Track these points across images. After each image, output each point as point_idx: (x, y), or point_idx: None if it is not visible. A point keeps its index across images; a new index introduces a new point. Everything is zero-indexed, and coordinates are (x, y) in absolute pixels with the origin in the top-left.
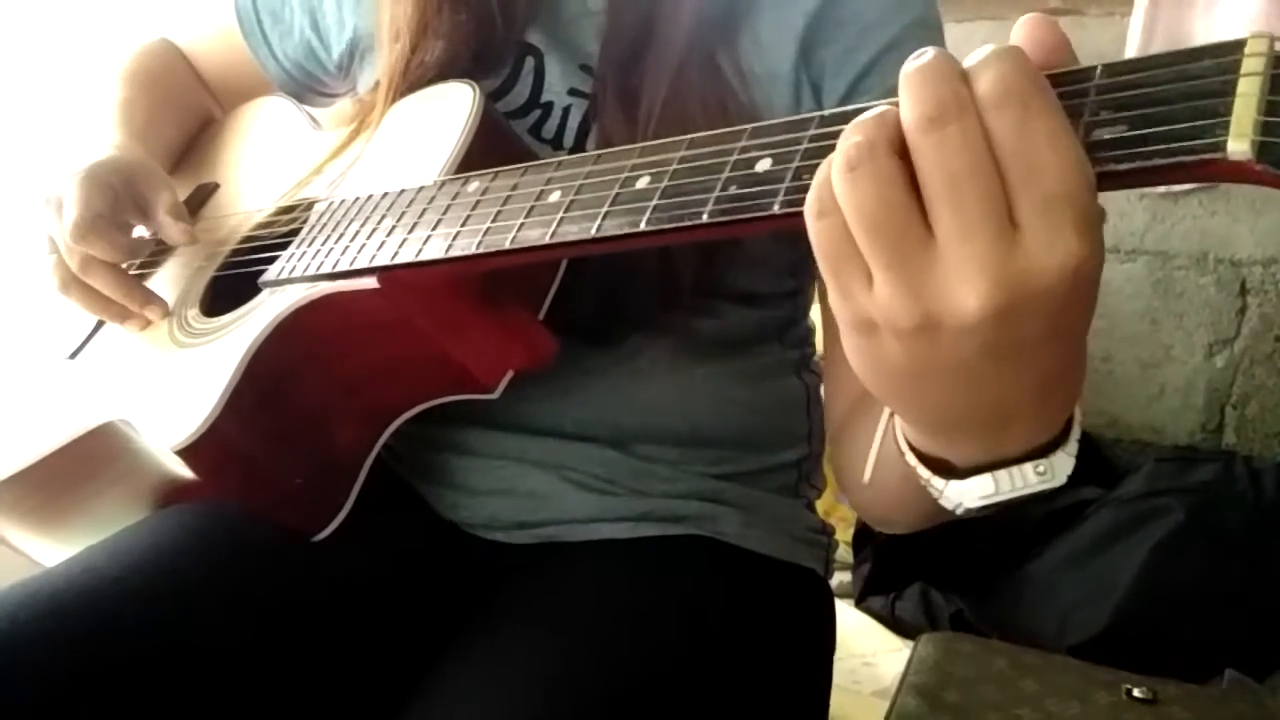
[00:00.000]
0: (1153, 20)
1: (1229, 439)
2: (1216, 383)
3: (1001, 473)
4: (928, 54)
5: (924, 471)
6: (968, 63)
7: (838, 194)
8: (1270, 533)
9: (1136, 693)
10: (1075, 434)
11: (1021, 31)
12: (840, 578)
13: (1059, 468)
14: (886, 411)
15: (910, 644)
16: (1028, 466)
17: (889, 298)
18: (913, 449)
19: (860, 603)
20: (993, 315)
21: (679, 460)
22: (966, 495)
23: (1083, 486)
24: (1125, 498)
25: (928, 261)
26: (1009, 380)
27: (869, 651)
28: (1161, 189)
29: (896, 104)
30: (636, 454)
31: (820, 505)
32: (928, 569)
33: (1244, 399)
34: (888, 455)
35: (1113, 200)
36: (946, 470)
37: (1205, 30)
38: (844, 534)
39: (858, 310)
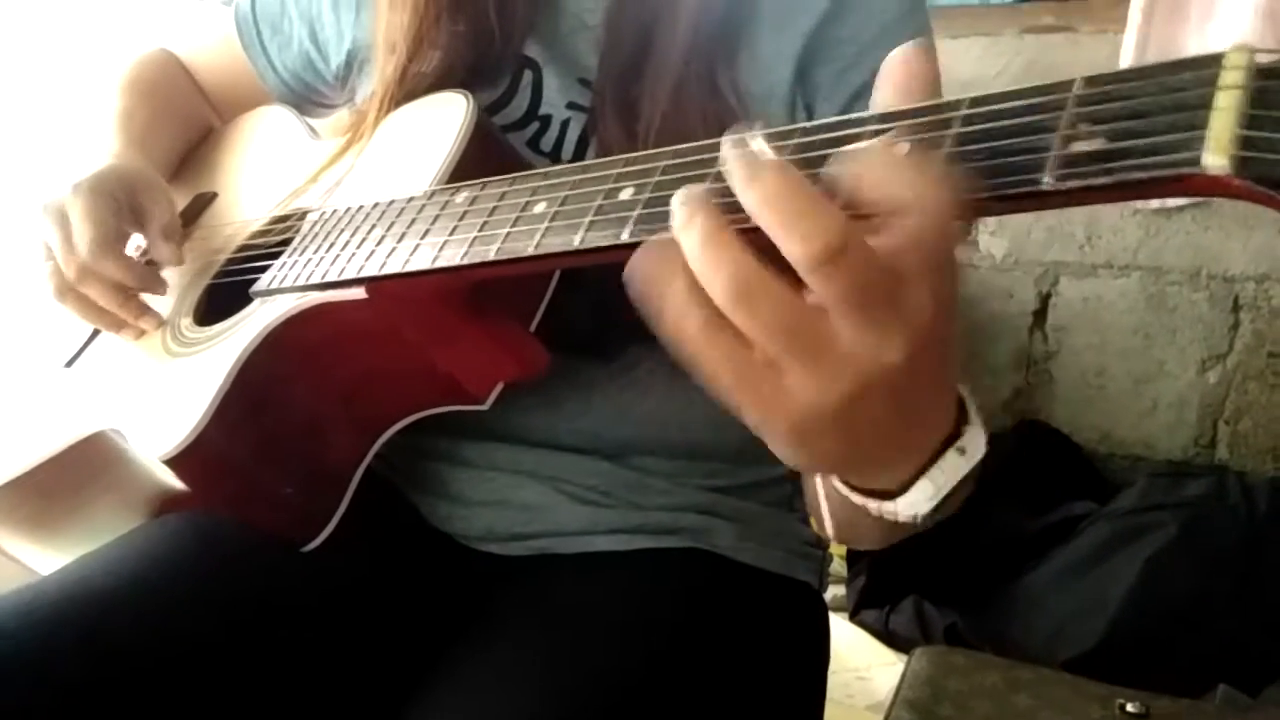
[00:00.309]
0: (1145, 37)
1: (1222, 454)
2: (1209, 398)
3: (932, 470)
4: (774, 184)
5: (875, 504)
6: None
7: (741, 322)
8: (1263, 548)
9: (1129, 707)
10: (970, 405)
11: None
12: (834, 591)
13: (975, 440)
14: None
15: (904, 658)
16: (949, 454)
17: (808, 387)
18: (854, 489)
19: (854, 616)
20: (909, 356)
21: (674, 473)
22: (917, 504)
23: (1076, 501)
24: (1118, 512)
25: (829, 340)
26: (917, 404)
27: (863, 665)
28: (1155, 204)
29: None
30: (631, 466)
31: (814, 519)
32: (922, 583)
33: (1237, 414)
34: (834, 502)
35: (1106, 216)
36: (887, 494)
37: (1198, 46)
38: (838, 548)
39: (781, 411)
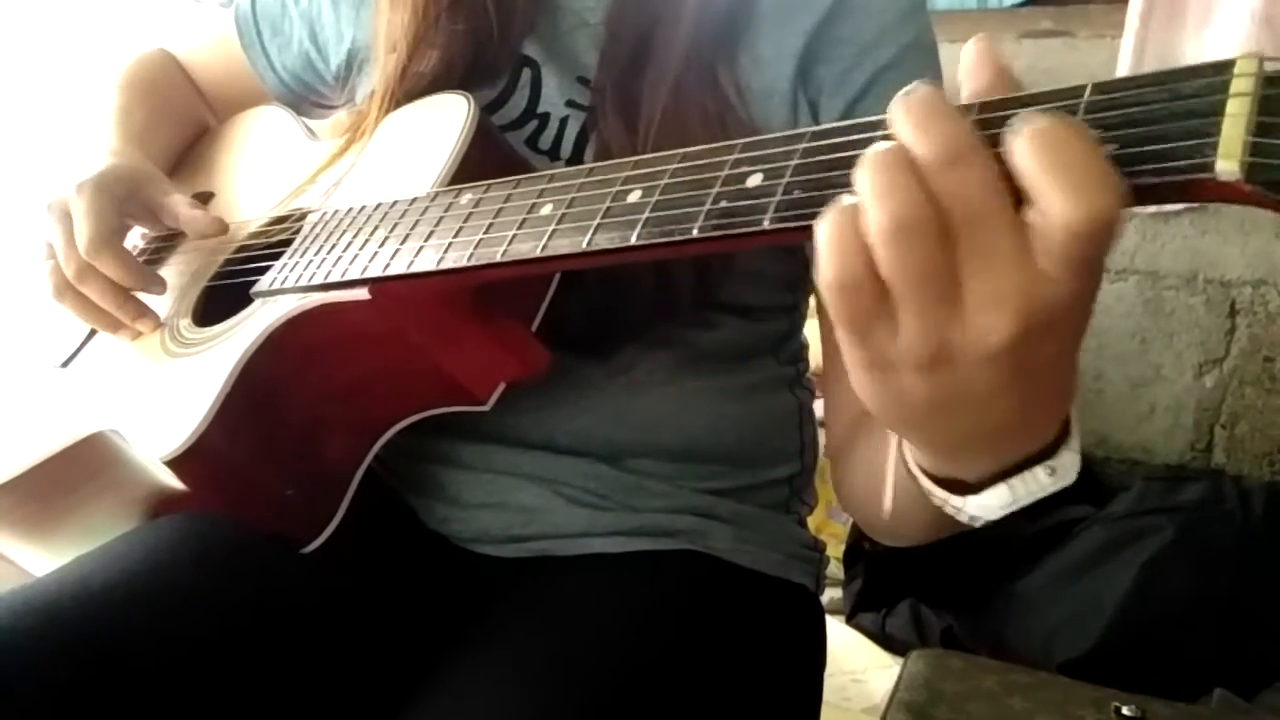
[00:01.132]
0: (1143, 42)
1: (1218, 458)
2: (1206, 402)
3: (1015, 480)
4: (921, 89)
5: (941, 493)
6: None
7: (885, 257)
8: (1259, 552)
9: (1125, 711)
10: (1075, 431)
11: (972, 55)
12: (831, 594)
13: (1067, 466)
14: (894, 440)
15: (900, 661)
16: (1039, 470)
17: (917, 339)
18: (924, 472)
19: (851, 619)
20: (1013, 342)
21: (671, 475)
22: (986, 508)
23: (1072, 505)
24: (1115, 516)
25: (955, 299)
26: (1020, 397)
27: (859, 668)
28: (1152, 209)
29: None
30: (629, 469)
31: (811, 522)
32: (918, 586)
33: (1233, 419)
34: (901, 479)
35: None
36: (960, 487)
37: (1195, 51)
38: (835, 550)
39: (877, 352)
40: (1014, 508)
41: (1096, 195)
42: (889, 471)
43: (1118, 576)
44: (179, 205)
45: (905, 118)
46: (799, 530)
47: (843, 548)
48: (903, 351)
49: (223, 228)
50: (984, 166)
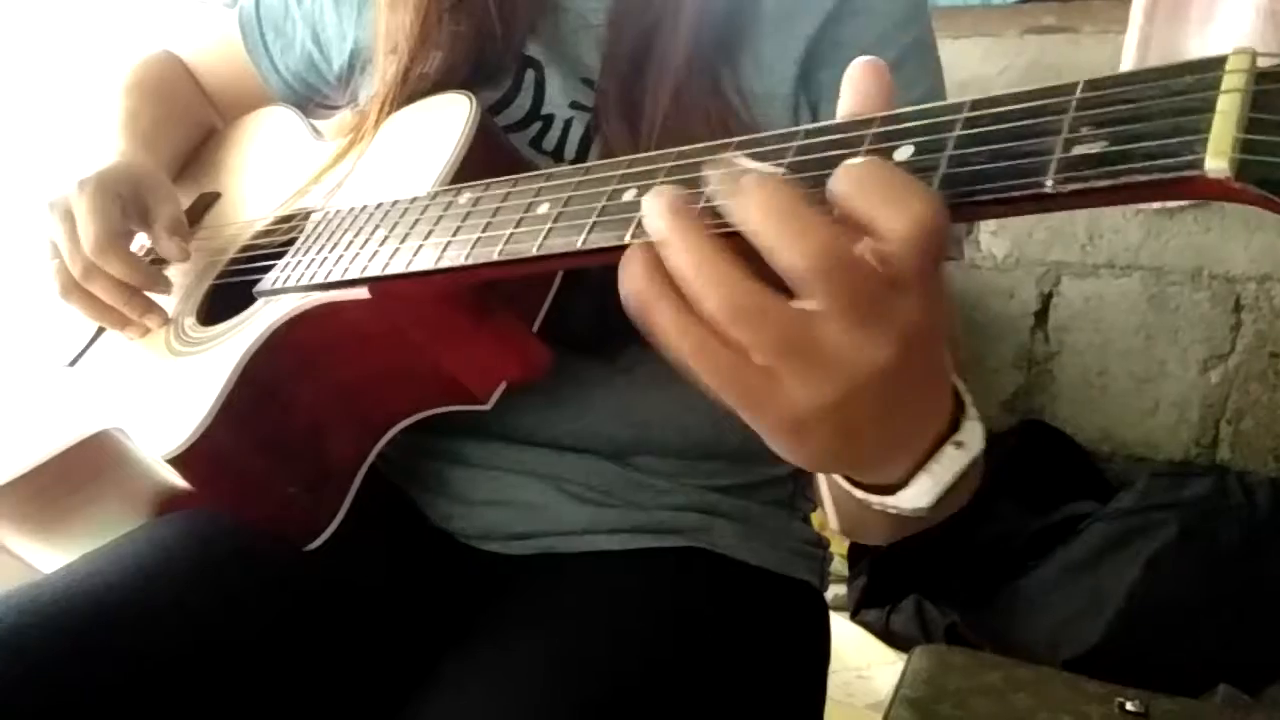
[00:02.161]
0: (1146, 37)
1: (1223, 454)
2: (1211, 398)
3: (930, 465)
4: (766, 195)
5: (876, 499)
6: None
7: (738, 337)
8: (1264, 547)
9: (1129, 706)
10: (967, 400)
11: (853, 79)
12: (835, 590)
13: (971, 434)
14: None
15: (904, 657)
16: (947, 448)
17: (805, 390)
18: (856, 485)
19: (855, 615)
20: (898, 361)
21: (675, 473)
22: (918, 498)
23: (1077, 501)
24: (1119, 512)
25: (820, 344)
26: (912, 401)
27: (863, 664)
28: (1157, 205)
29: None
30: (632, 466)
31: (815, 518)
32: (922, 582)
33: (1238, 414)
34: (840, 498)
35: (1107, 216)
36: (890, 488)
37: (1199, 48)
38: (839, 547)
39: (780, 414)
40: (943, 487)
41: (917, 204)
42: (825, 495)
43: (1122, 572)
44: (158, 226)
45: (769, 226)
46: (803, 527)
47: (847, 544)
48: (801, 405)
49: (184, 256)
50: (852, 256)
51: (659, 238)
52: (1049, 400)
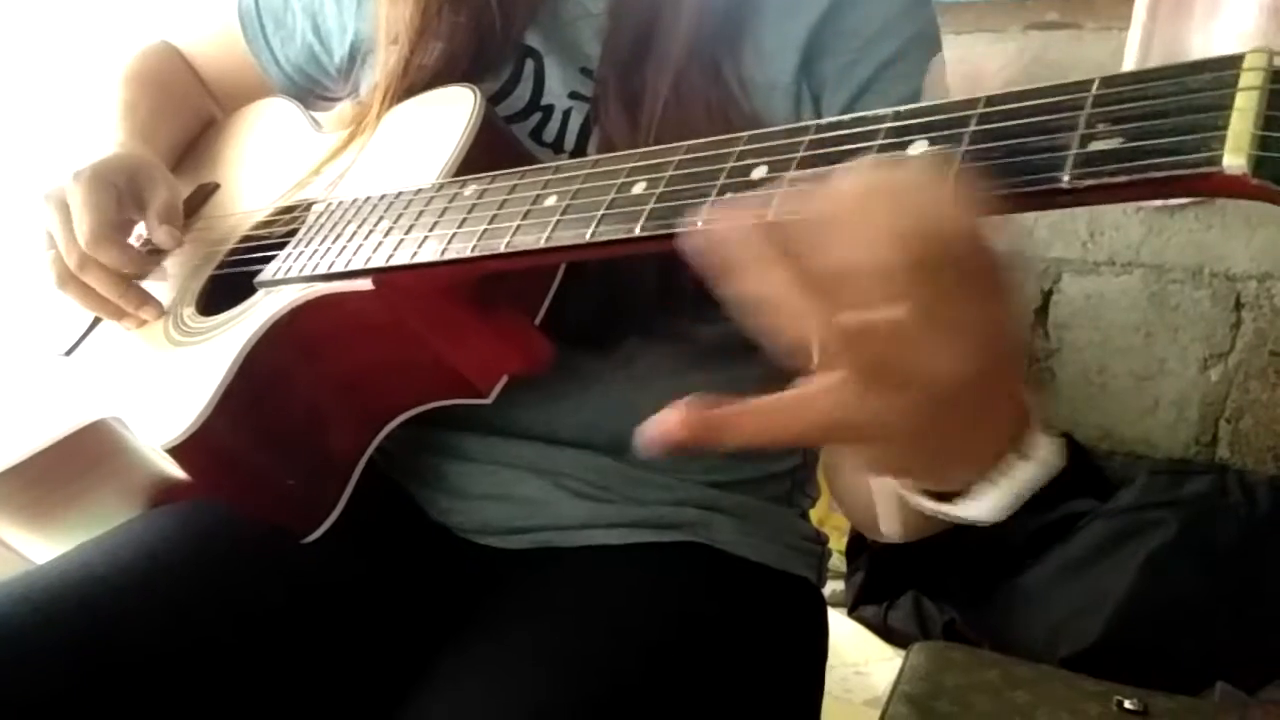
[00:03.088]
0: (1149, 34)
1: (1222, 453)
2: (1210, 397)
3: (996, 476)
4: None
5: (930, 507)
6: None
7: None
8: (1263, 546)
9: (1127, 704)
10: (1033, 414)
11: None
12: (833, 586)
13: (1039, 447)
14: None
15: (902, 653)
16: (1014, 459)
17: (893, 404)
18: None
19: (853, 611)
20: (976, 372)
21: (674, 468)
22: (980, 510)
23: (1076, 499)
24: (1118, 510)
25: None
26: (976, 413)
27: (861, 660)
28: (1158, 202)
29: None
30: (631, 461)
31: (814, 514)
32: (921, 578)
33: (1238, 413)
34: (900, 503)
35: (1108, 213)
36: (951, 496)
37: (1202, 44)
38: (837, 543)
39: (863, 427)
40: (1009, 502)
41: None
42: (878, 499)
43: (1121, 570)
44: (151, 213)
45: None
46: (801, 523)
47: (845, 540)
48: (884, 416)
49: (176, 243)
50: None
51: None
52: (1048, 397)
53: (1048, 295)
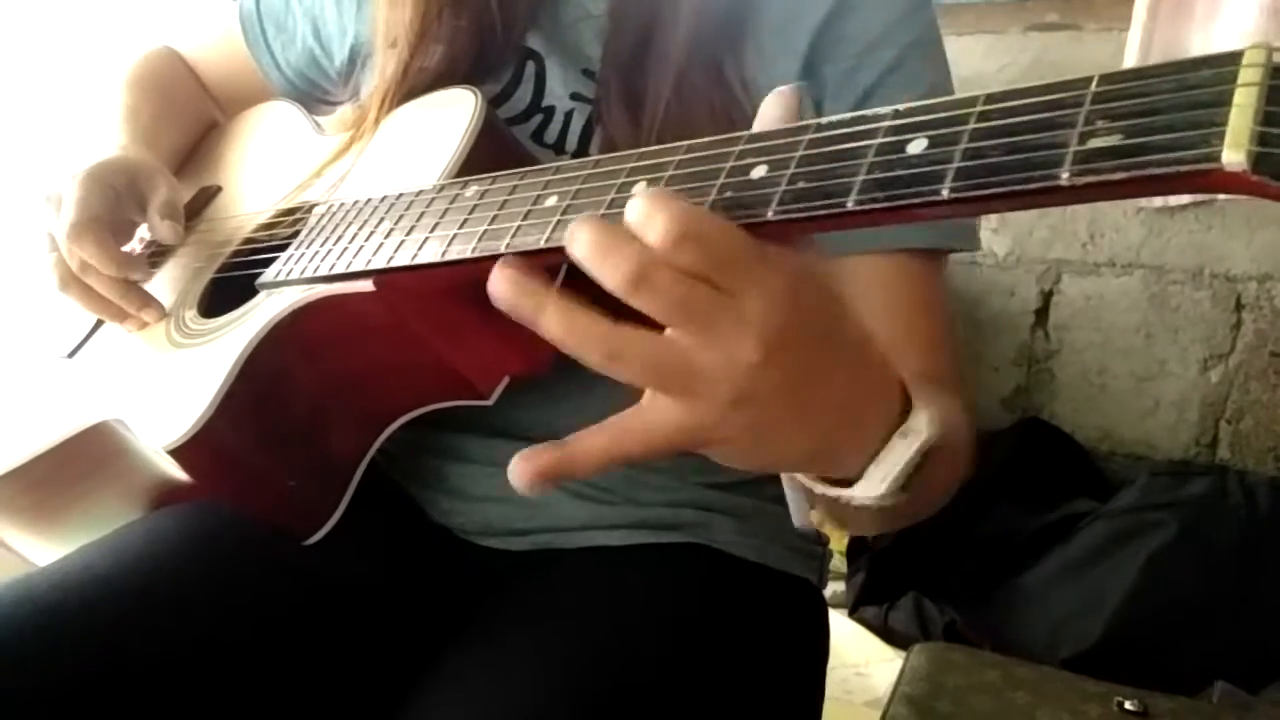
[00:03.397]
0: (1149, 34)
1: (1223, 454)
2: (1211, 397)
3: (882, 457)
4: (586, 231)
5: (832, 493)
6: (631, 217)
7: (619, 373)
8: (1263, 547)
9: (1128, 705)
10: (919, 391)
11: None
12: (834, 587)
13: (917, 424)
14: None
15: (903, 654)
16: (894, 439)
17: (698, 406)
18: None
19: (854, 612)
20: (767, 352)
21: (673, 469)
22: (870, 490)
23: (1076, 499)
24: (1119, 511)
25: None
26: (828, 399)
27: (862, 661)
28: (1158, 203)
29: None
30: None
31: (814, 515)
32: (921, 580)
33: (1238, 414)
34: (805, 494)
35: (1108, 214)
36: (847, 483)
37: (1203, 44)
38: (838, 544)
39: (693, 433)
40: (894, 478)
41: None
42: (787, 492)
43: (1121, 571)
44: (151, 210)
45: (587, 261)
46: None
47: (846, 541)
48: (708, 414)
49: (178, 238)
50: (663, 270)
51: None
52: (1049, 398)
53: (1048, 296)
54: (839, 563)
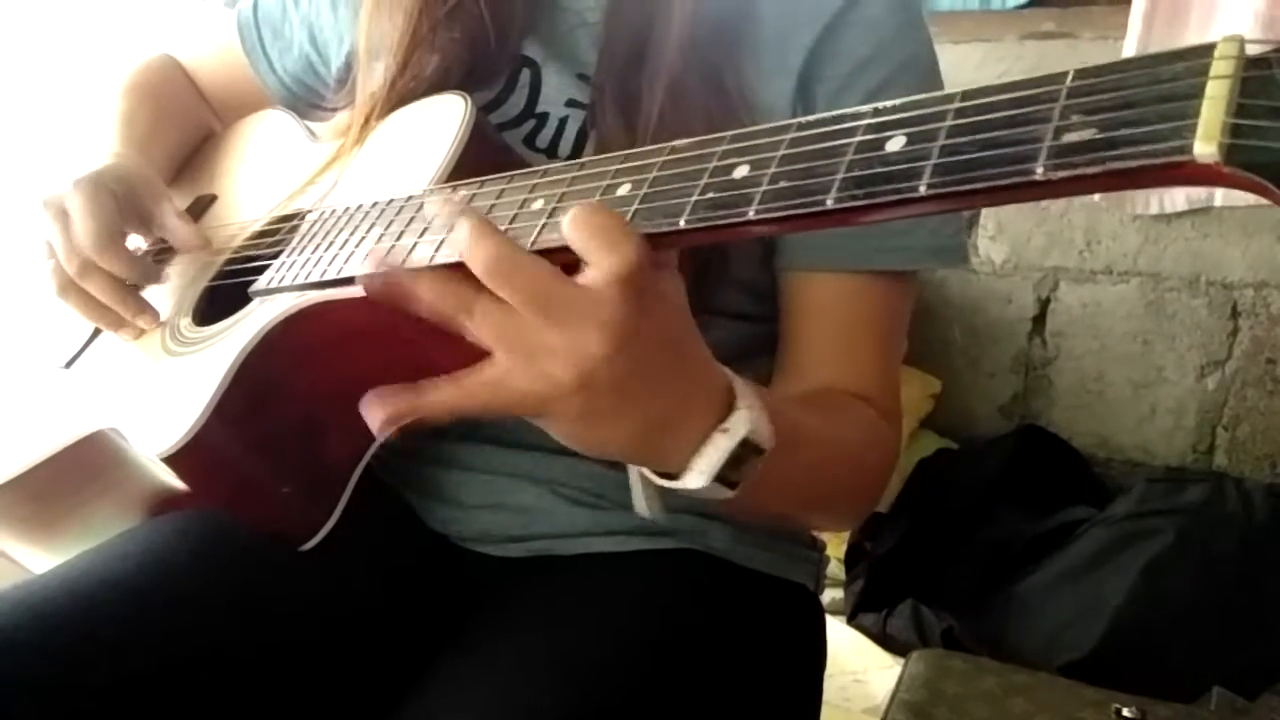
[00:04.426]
0: (1145, 44)
1: (1220, 460)
2: (1208, 404)
3: (703, 449)
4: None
5: (668, 484)
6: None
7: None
8: (1260, 553)
9: (1125, 712)
10: (743, 391)
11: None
12: (832, 594)
13: (738, 422)
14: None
15: (901, 661)
16: (715, 435)
17: (529, 378)
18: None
19: (852, 619)
20: (614, 347)
21: None
22: (692, 480)
23: (1074, 506)
24: (1116, 518)
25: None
26: (658, 395)
27: (860, 668)
28: (1154, 210)
29: None
30: (626, 468)
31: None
32: (919, 586)
33: (1235, 421)
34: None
35: (1105, 222)
36: (675, 475)
37: None
38: (836, 550)
39: (512, 400)
40: (714, 470)
41: (624, 247)
42: (632, 483)
43: (1119, 578)
44: (166, 215)
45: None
46: (798, 530)
47: (844, 548)
48: (528, 393)
49: (204, 242)
50: (520, 262)
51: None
52: (1046, 405)
53: (1045, 304)
54: (837, 569)
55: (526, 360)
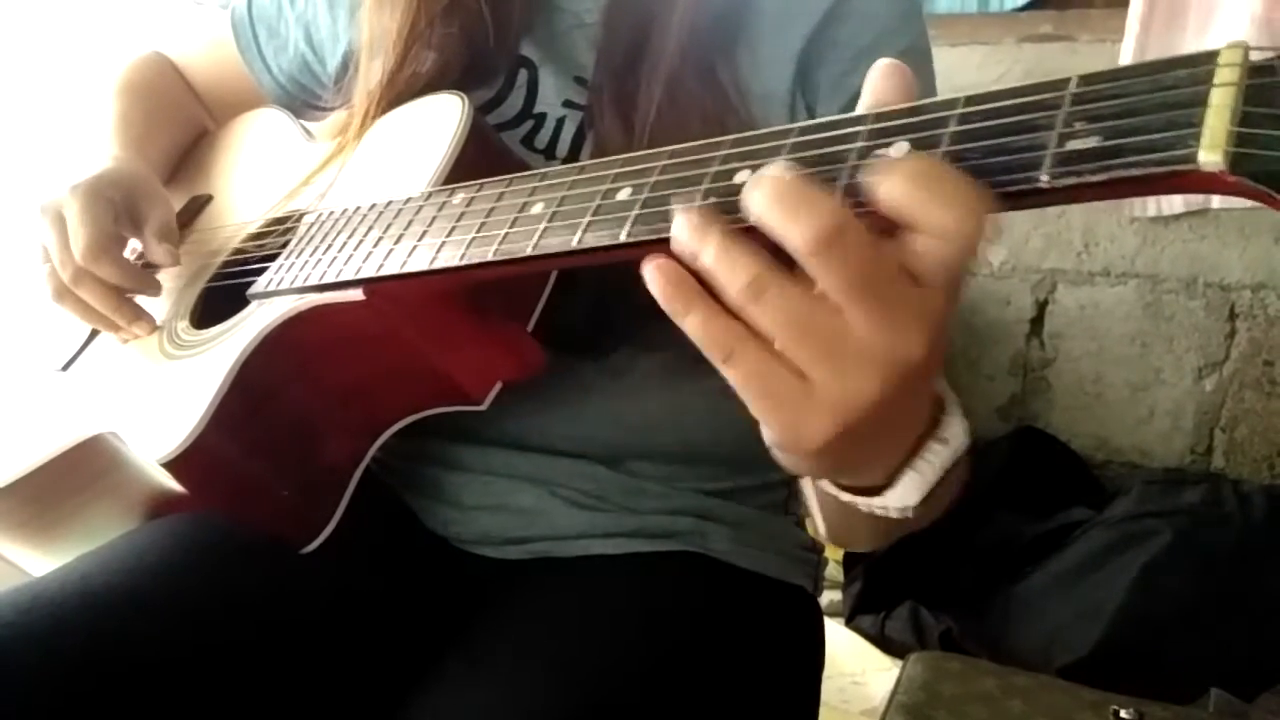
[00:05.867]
0: (1143, 46)
1: (1217, 462)
2: (1205, 406)
3: (917, 462)
4: (771, 185)
5: (862, 501)
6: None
7: (755, 319)
8: (1258, 555)
9: (1124, 714)
10: (948, 397)
11: (873, 82)
12: (830, 596)
13: (953, 430)
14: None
15: (899, 663)
16: (933, 444)
17: (836, 387)
18: (843, 488)
19: (850, 621)
20: (924, 358)
21: (670, 477)
22: (906, 497)
23: (1072, 508)
24: (1114, 519)
25: (844, 335)
26: (906, 403)
27: (858, 670)
28: (1152, 212)
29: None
30: (627, 470)
31: (809, 523)
32: (918, 588)
33: (1233, 422)
34: (826, 503)
35: (1103, 224)
36: (874, 490)
37: None
38: (834, 552)
39: (797, 416)
40: (930, 485)
41: (976, 206)
42: (812, 501)
43: (1117, 580)
44: (150, 229)
45: (773, 210)
46: (797, 531)
47: (842, 550)
48: (830, 403)
49: (174, 261)
50: (858, 234)
51: (686, 242)
52: (1044, 407)
53: (1043, 305)
54: (835, 571)
55: (836, 362)
